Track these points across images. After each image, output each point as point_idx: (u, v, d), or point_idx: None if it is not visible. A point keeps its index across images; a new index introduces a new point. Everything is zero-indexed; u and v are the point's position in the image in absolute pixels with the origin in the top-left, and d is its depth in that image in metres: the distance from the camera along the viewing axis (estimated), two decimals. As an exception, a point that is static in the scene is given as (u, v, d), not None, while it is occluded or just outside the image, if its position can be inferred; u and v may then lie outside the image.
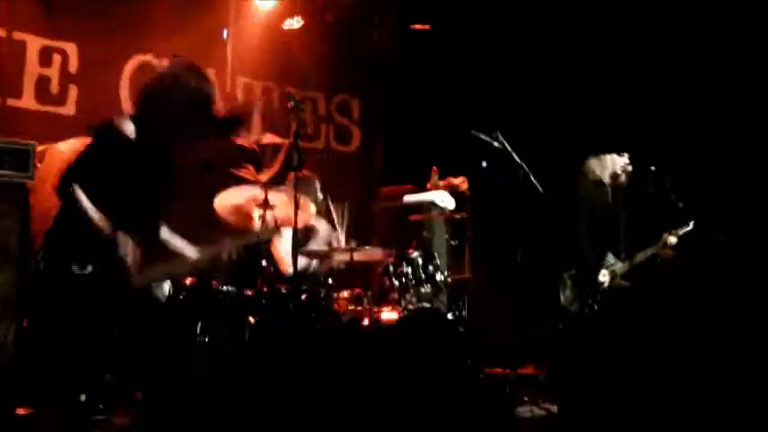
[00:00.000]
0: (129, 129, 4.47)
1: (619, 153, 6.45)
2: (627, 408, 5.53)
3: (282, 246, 5.90)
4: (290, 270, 5.29)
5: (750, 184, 6.95)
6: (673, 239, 6.04)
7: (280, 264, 5.93)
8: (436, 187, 7.32)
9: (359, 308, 6.14)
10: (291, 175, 5.97)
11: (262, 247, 5.74)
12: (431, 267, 6.32)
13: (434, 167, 7.50)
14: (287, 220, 5.52)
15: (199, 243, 4.79)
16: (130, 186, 4.45)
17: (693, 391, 6.15)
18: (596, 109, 7.71)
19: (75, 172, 4.41)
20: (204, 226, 5.19)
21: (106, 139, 4.49)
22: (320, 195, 6.25)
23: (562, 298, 6.42)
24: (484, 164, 6.33)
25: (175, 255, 4.70)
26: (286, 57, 8.08)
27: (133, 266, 4.37)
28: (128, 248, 4.37)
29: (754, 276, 6.63)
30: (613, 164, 6.42)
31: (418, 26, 8.26)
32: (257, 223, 5.23)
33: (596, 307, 6.21)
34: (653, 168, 6.19)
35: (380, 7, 8.09)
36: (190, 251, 4.74)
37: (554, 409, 6.00)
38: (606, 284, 6.24)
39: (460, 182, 7.41)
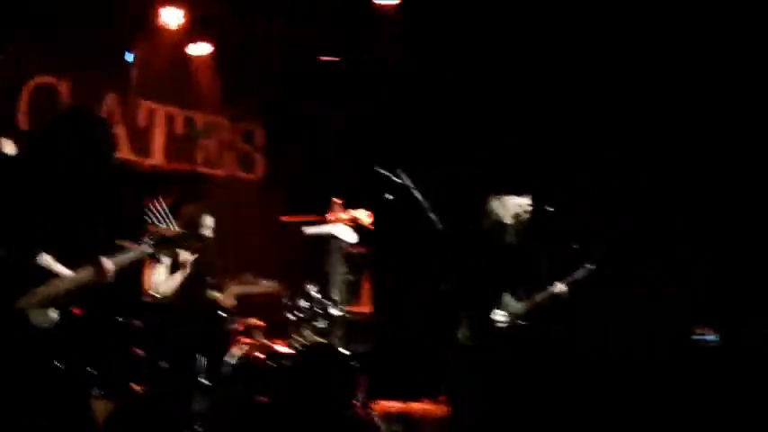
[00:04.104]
0: (9, 148, 4.37)
1: (520, 194, 6.52)
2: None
3: (158, 273, 5.75)
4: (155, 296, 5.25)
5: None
6: (562, 287, 6.09)
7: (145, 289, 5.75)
8: (338, 220, 7.28)
9: (253, 341, 6.10)
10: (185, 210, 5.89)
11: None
12: (327, 302, 6.32)
13: (337, 199, 7.46)
14: None
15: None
16: (6, 207, 4.34)
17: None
18: (502, 146, 7.85)
19: None
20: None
21: None
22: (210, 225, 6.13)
23: (459, 335, 6.45)
24: (389, 197, 6.34)
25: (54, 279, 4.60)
26: (191, 81, 7.99)
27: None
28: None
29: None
30: (515, 205, 6.47)
31: (326, 58, 8.28)
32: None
33: (492, 346, 6.25)
34: (551, 209, 6.28)
35: (289, 36, 8.06)
36: (69, 275, 4.63)
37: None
38: (502, 324, 6.28)
39: (363, 215, 7.38)
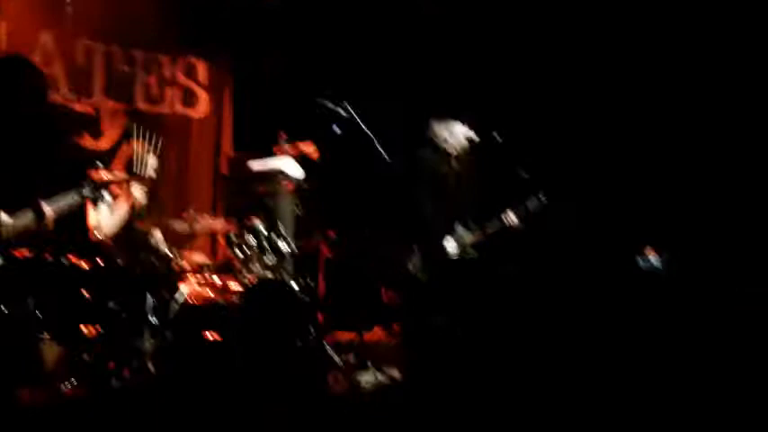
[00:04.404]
0: None
1: (464, 120, 6.47)
2: (469, 377, 5.69)
3: (101, 214, 5.71)
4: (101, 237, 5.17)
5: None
6: (513, 217, 6.08)
7: (91, 231, 5.71)
8: (284, 153, 7.23)
9: (201, 279, 6.08)
10: (126, 150, 5.83)
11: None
12: (275, 237, 6.31)
13: (282, 132, 7.40)
14: None
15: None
16: None
17: (537, 361, 6.40)
18: (440, 74, 7.80)
19: None
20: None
21: None
22: (153, 165, 6.06)
23: (410, 266, 6.47)
24: (336, 130, 6.28)
25: None
26: (129, 16, 7.77)
27: None
28: None
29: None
30: (460, 131, 6.43)
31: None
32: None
33: (444, 276, 6.27)
34: (498, 137, 6.25)
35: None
36: (7, 221, 4.59)
37: (397, 375, 6.11)
38: (454, 255, 6.30)
39: (309, 149, 7.33)
